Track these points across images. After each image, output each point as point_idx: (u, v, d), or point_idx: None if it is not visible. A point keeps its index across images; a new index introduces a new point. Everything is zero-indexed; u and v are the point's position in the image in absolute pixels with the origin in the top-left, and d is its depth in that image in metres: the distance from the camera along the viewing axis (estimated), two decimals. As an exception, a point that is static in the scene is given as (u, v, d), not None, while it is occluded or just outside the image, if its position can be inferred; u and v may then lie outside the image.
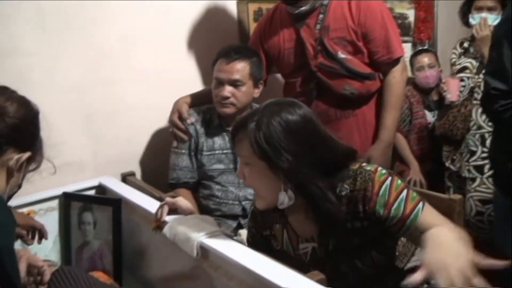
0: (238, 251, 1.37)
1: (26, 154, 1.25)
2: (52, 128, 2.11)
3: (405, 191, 1.34)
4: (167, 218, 1.62)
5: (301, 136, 1.33)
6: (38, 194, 2.02)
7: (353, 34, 2.13)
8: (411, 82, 3.36)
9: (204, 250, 1.44)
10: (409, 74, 3.40)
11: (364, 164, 1.40)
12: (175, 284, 1.72)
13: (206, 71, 2.54)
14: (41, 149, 1.36)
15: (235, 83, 2.10)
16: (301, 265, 1.40)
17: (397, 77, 2.18)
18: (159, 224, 1.66)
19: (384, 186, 1.33)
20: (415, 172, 3.11)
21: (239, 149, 1.41)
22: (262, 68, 2.20)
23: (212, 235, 1.46)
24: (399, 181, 1.35)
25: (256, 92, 2.18)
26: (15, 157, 1.22)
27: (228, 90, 2.09)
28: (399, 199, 1.32)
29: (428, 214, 1.33)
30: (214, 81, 2.13)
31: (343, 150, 1.41)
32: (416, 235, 1.33)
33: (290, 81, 2.35)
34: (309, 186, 1.34)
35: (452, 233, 1.23)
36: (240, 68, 2.11)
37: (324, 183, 1.34)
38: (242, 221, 2.19)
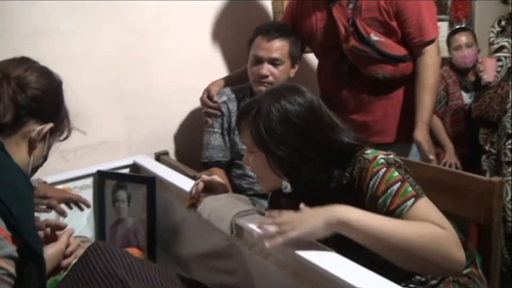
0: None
1: (48, 125, 1.23)
2: (88, 107, 2.16)
3: (397, 185, 1.23)
4: (202, 196, 1.62)
5: (300, 127, 1.31)
6: (73, 172, 2.05)
7: (385, 14, 2.06)
8: (447, 62, 3.29)
9: (238, 229, 1.44)
10: (446, 54, 3.34)
11: (367, 151, 1.32)
12: (208, 262, 1.72)
13: (239, 53, 2.51)
14: (67, 119, 1.34)
15: (274, 62, 2.08)
16: None
17: (433, 57, 2.09)
18: (193, 202, 1.66)
19: (375, 178, 1.25)
20: (450, 155, 3.06)
21: (243, 138, 1.43)
22: (300, 47, 2.18)
23: (246, 213, 1.45)
24: (395, 173, 1.25)
25: (292, 72, 2.16)
26: (36, 129, 1.21)
27: (267, 68, 2.08)
28: (386, 193, 1.23)
29: (419, 212, 1.20)
30: (252, 59, 2.11)
31: (348, 139, 1.35)
32: None
33: (323, 62, 2.32)
34: (305, 177, 1.32)
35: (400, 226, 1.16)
36: (280, 47, 2.09)
37: (321, 174, 1.31)
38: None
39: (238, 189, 2.21)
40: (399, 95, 2.19)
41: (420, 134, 2.01)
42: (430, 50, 2.08)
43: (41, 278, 1.13)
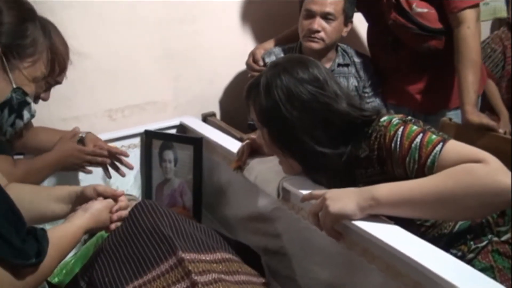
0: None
1: None
2: (135, 67, 2.16)
3: (419, 137, 1.17)
4: (249, 159, 1.60)
5: (301, 102, 1.26)
6: (120, 131, 2.06)
7: None
8: (505, 23, 3.13)
9: (285, 192, 1.42)
10: (504, 14, 3.18)
11: (381, 119, 1.26)
12: (253, 224, 1.72)
13: (289, 12, 2.45)
14: (51, 54, 1.21)
15: (327, 16, 2.01)
16: None
17: (471, 27, 1.89)
18: (240, 164, 1.65)
19: (395, 139, 1.19)
20: (505, 122, 2.92)
21: (251, 114, 1.39)
22: (354, 5, 2.10)
23: (293, 177, 1.43)
24: (414, 127, 1.19)
25: (345, 31, 2.08)
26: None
27: (319, 23, 2.01)
28: (412, 149, 1.17)
29: (451, 153, 1.13)
30: (304, 13, 2.04)
31: (359, 113, 1.29)
32: None
33: (370, 28, 2.25)
34: (310, 155, 1.29)
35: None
36: (334, 1, 2.01)
37: (327, 150, 1.27)
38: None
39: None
40: (443, 67, 2.07)
41: (474, 117, 1.83)
42: (467, 18, 1.90)
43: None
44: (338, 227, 1.20)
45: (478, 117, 1.81)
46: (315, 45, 2.03)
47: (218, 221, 1.96)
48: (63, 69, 1.55)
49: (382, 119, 1.26)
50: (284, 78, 1.27)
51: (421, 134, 1.17)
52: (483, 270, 1.26)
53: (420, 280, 1.02)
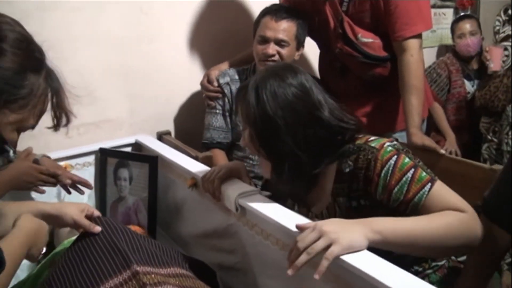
0: (274, 210, 1.37)
1: None
2: (91, 85, 2.16)
3: (411, 172, 1.22)
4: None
5: (287, 105, 1.28)
6: (75, 149, 2.05)
7: (376, 3, 2.00)
8: (451, 50, 3.30)
9: (241, 208, 1.45)
10: (450, 41, 3.34)
11: (371, 139, 1.31)
12: (208, 241, 1.74)
13: (245, 33, 2.50)
14: (30, 87, 1.05)
15: (280, 43, 2.09)
16: None
17: (414, 55, 1.97)
18: (195, 182, 1.68)
19: (387, 166, 1.23)
20: (450, 143, 3.06)
21: (239, 115, 1.41)
22: (306, 31, 2.17)
23: (249, 194, 1.46)
24: (406, 160, 1.24)
25: (297, 55, 2.16)
26: None
27: (273, 48, 2.08)
28: (402, 181, 1.22)
29: (437, 198, 1.21)
30: (259, 38, 2.11)
31: (345, 124, 1.32)
32: None
33: (321, 54, 2.34)
34: (287, 159, 1.29)
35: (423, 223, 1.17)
36: (287, 28, 2.09)
37: (305, 157, 1.28)
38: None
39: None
40: (392, 90, 2.11)
41: (418, 139, 1.89)
42: (411, 46, 1.97)
43: None
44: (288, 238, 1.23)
45: (421, 139, 1.88)
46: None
47: (173, 239, 1.96)
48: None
49: (372, 140, 1.30)
50: (272, 81, 1.29)
51: (413, 169, 1.22)
52: (436, 282, 1.39)
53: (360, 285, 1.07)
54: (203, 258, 1.61)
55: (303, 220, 1.28)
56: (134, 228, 1.85)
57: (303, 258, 1.10)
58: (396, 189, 1.22)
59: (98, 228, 1.32)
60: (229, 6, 2.53)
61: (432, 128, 3.02)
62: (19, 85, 1.02)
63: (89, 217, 1.36)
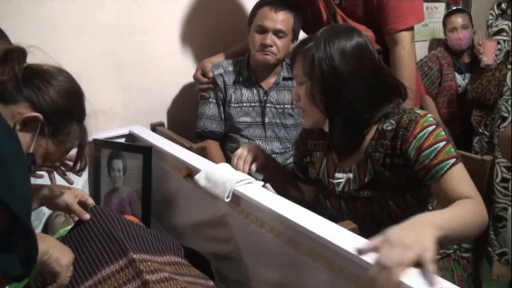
0: (269, 198, 1.39)
1: (38, 115, 1.14)
2: (85, 76, 2.15)
3: (443, 143, 1.31)
4: (200, 166, 1.64)
5: (354, 63, 1.36)
6: (69, 140, 2.04)
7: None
8: (442, 43, 3.32)
9: (235, 197, 1.46)
10: (442, 35, 3.36)
11: (416, 108, 1.42)
12: (202, 231, 1.75)
13: (239, 25, 2.52)
14: (74, 133, 1.25)
15: (278, 33, 2.10)
16: (331, 195, 1.52)
17: (406, 47, 2.01)
18: (190, 172, 1.69)
19: (424, 131, 1.32)
20: (442, 135, 3.08)
21: (295, 69, 1.47)
22: (301, 24, 2.19)
23: (246, 182, 1.48)
24: (442, 132, 1.33)
25: (291, 47, 2.17)
26: (26, 114, 1.13)
27: (271, 38, 2.09)
28: (433, 147, 1.30)
29: (456, 177, 1.29)
30: (257, 28, 2.12)
31: (394, 83, 1.45)
32: (439, 194, 1.32)
33: None
34: (347, 116, 1.38)
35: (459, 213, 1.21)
36: (285, 19, 2.10)
37: (365, 115, 1.38)
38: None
39: (232, 162, 2.24)
40: None
41: None
42: (403, 39, 2.01)
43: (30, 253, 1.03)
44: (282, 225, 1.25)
45: None
46: (269, 58, 2.11)
47: (167, 230, 1.97)
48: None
49: (417, 109, 1.41)
50: (340, 37, 1.38)
51: (444, 142, 1.31)
52: (445, 269, 1.46)
53: (359, 273, 1.09)
54: (197, 247, 1.62)
55: (301, 209, 1.31)
56: (129, 217, 1.86)
57: (398, 273, 0.99)
58: (425, 152, 1.31)
59: (87, 216, 1.34)
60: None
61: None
62: (66, 126, 1.22)
63: (83, 204, 1.38)
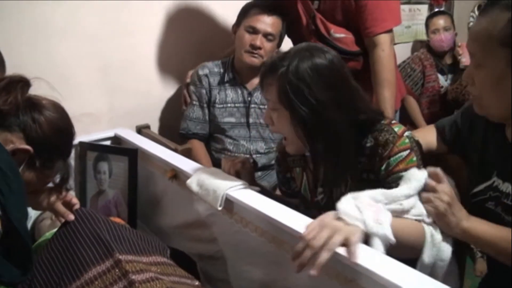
0: (253, 197, 1.42)
1: (27, 147, 1.19)
2: (71, 78, 2.17)
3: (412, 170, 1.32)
4: (185, 167, 1.66)
5: (331, 82, 1.34)
6: (54, 142, 2.05)
7: (346, 1, 2.05)
8: (425, 45, 3.36)
9: (229, 202, 1.47)
10: (424, 37, 3.40)
11: (393, 122, 1.40)
12: (188, 232, 1.76)
13: (225, 29, 2.54)
14: (59, 169, 1.32)
15: (268, 36, 2.13)
16: (314, 208, 1.50)
17: (385, 49, 2.03)
18: (175, 173, 1.70)
19: (399, 155, 1.33)
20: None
21: (267, 93, 1.42)
22: (285, 29, 2.22)
23: (237, 188, 1.49)
24: (414, 158, 1.34)
25: (276, 51, 2.20)
26: (16, 143, 1.19)
27: (261, 40, 2.13)
28: (400, 172, 1.32)
29: None
30: (248, 29, 2.14)
31: (370, 105, 1.44)
32: None
33: None
34: (326, 141, 1.36)
35: None
36: (276, 23, 2.14)
37: (343, 140, 1.36)
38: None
39: (217, 163, 2.24)
40: (365, 83, 2.07)
41: None
42: (382, 42, 2.03)
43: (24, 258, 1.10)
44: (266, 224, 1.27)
45: None
46: (256, 61, 2.13)
47: (153, 231, 1.98)
48: None
49: (394, 123, 1.39)
50: (314, 61, 1.34)
51: (414, 168, 1.31)
52: None
53: (339, 269, 1.12)
54: (183, 248, 1.64)
55: (284, 208, 1.33)
56: (115, 219, 1.87)
57: (324, 255, 1.09)
58: (394, 176, 1.33)
59: (72, 216, 1.35)
60: (208, 3, 2.55)
61: (407, 121, 3.08)
62: (53, 161, 1.28)
63: (67, 203, 1.39)
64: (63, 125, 1.29)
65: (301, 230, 1.18)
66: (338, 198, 1.38)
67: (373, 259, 1.08)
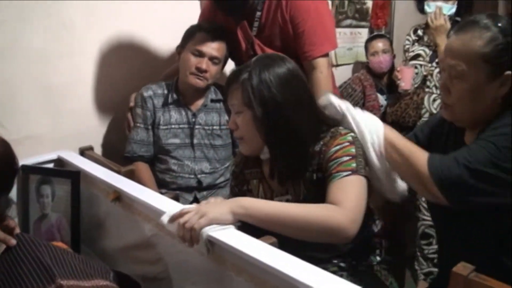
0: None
1: None
2: (13, 100, 2.14)
3: (348, 157, 1.41)
4: (128, 189, 1.66)
5: (290, 88, 1.45)
6: (-5, 166, 2.01)
7: (284, 26, 2.12)
8: (365, 66, 3.48)
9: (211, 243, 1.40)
10: (364, 58, 3.53)
11: (341, 127, 1.49)
12: (132, 253, 1.75)
13: (165, 50, 2.57)
14: None
15: (213, 60, 2.18)
16: None
17: (323, 72, 2.13)
18: (118, 195, 1.70)
19: (338, 146, 1.43)
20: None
21: (231, 99, 1.52)
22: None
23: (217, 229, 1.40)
24: (353, 149, 1.43)
25: (219, 74, 2.25)
26: None
27: (207, 63, 2.17)
28: (338, 159, 1.41)
29: (341, 186, 1.38)
30: (195, 52, 2.18)
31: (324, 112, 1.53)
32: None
33: None
34: (287, 140, 1.46)
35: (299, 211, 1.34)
36: (221, 48, 2.20)
37: (303, 139, 1.46)
38: (198, 194, 2.26)
39: (162, 183, 2.27)
40: None
41: None
42: (319, 65, 2.12)
43: None
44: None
45: None
46: (201, 83, 2.18)
47: (97, 255, 1.95)
48: None
49: (341, 128, 1.49)
50: (273, 67, 1.46)
51: (350, 157, 1.41)
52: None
53: (278, 285, 1.15)
54: (127, 271, 1.62)
55: (224, 227, 1.36)
56: (58, 244, 1.84)
57: (180, 232, 1.34)
58: (331, 163, 1.42)
59: (13, 241, 1.32)
60: (150, 25, 2.57)
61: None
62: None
63: (6, 228, 1.36)
64: (6, 160, 1.28)
65: (239, 247, 1.22)
66: None
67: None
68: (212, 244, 1.34)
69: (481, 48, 1.32)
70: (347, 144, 1.44)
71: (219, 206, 1.37)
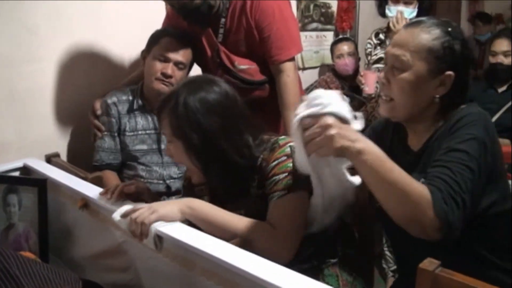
0: (163, 223, 1.42)
1: None
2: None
3: (284, 175, 1.42)
4: (95, 196, 1.65)
5: (218, 113, 1.44)
6: (-41, 176, 1.97)
7: (249, 32, 2.14)
8: (330, 69, 3.53)
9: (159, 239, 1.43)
10: (330, 61, 3.58)
11: (281, 137, 1.50)
12: (101, 261, 1.74)
13: (133, 53, 2.56)
14: None
15: (179, 65, 2.17)
16: None
17: (290, 75, 2.16)
18: (85, 202, 1.69)
19: (275, 162, 1.44)
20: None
21: (162, 128, 1.52)
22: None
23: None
24: (289, 165, 1.43)
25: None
26: None
27: (172, 69, 2.16)
28: (274, 178, 1.43)
29: (277, 207, 1.42)
30: (160, 58, 2.17)
31: (261, 128, 1.54)
32: None
33: None
34: (217, 165, 1.46)
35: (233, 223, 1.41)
36: (186, 53, 2.19)
37: (235, 158, 1.45)
38: (167, 199, 2.25)
39: (130, 190, 2.25)
40: (273, 109, 2.25)
41: None
42: (286, 68, 2.15)
43: None
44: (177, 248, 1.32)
45: None
46: (166, 88, 2.15)
47: (66, 264, 1.93)
48: None
49: (281, 137, 1.50)
50: (200, 93, 1.44)
51: (286, 174, 1.42)
52: (329, 276, 1.57)
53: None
54: (97, 279, 1.60)
55: (193, 231, 1.38)
56: (26, 254, 1.81)
57: (132, 226, 1.39)
58: (269, 181, 1.44)
59: None
60: (116, 27, 2.56)
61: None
62: None
63: None
64: None
65: (209, 251, 1.23)
66: None
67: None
68: (161, 239, 1.39)
69: (428, 41, 1.36)
70: (284, 158, 1.44)
71: (170, 204, 1.43)
